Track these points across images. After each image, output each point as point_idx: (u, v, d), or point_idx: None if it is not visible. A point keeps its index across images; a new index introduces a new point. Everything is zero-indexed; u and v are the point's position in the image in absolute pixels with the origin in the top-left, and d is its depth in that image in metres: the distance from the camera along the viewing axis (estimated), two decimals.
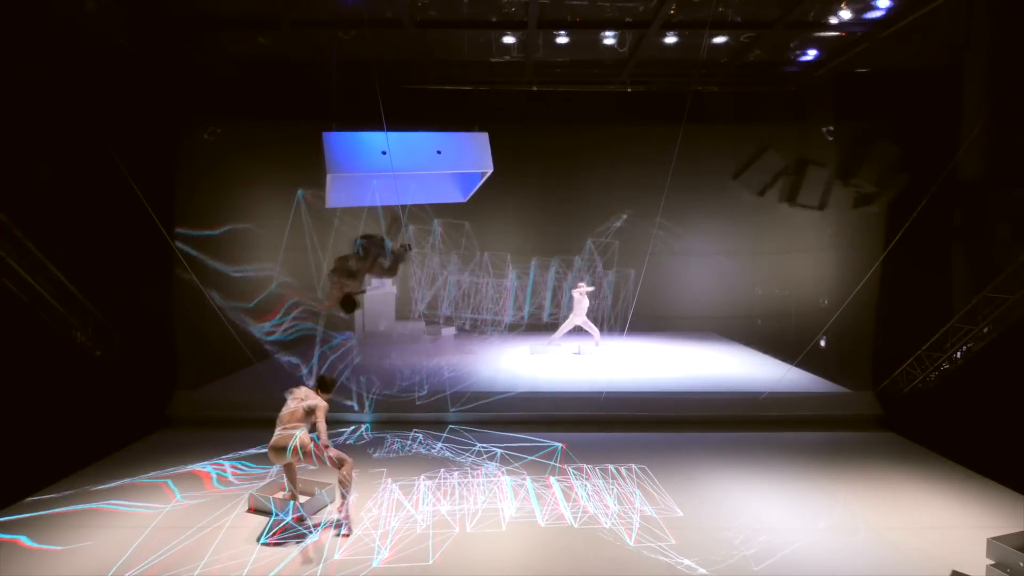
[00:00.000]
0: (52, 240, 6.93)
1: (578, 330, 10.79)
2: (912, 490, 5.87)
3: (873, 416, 8.00)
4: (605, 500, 5.61)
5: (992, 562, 4.21)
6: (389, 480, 6.00)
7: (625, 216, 11.87)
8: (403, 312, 12.22)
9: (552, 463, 6.47)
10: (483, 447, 6.90)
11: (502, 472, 6.20)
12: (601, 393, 8.08)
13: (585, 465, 6.38)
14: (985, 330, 7.22)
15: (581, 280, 10.88)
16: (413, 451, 6.87)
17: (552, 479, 6.06)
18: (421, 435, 7.26)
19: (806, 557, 4.65)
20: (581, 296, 10.53)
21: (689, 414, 7.92)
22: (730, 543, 4.84)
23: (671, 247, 12.07)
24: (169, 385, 8.25)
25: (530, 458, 6.60)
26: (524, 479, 6.05)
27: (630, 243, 11.79)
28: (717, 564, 4.54)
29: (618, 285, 11.84)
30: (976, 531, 4.95)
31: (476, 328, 12.20)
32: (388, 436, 7.27)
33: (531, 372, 9.42)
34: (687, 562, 4.56)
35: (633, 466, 6.37)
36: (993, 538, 4.26)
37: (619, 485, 5.95)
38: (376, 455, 6.73)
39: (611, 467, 6.36)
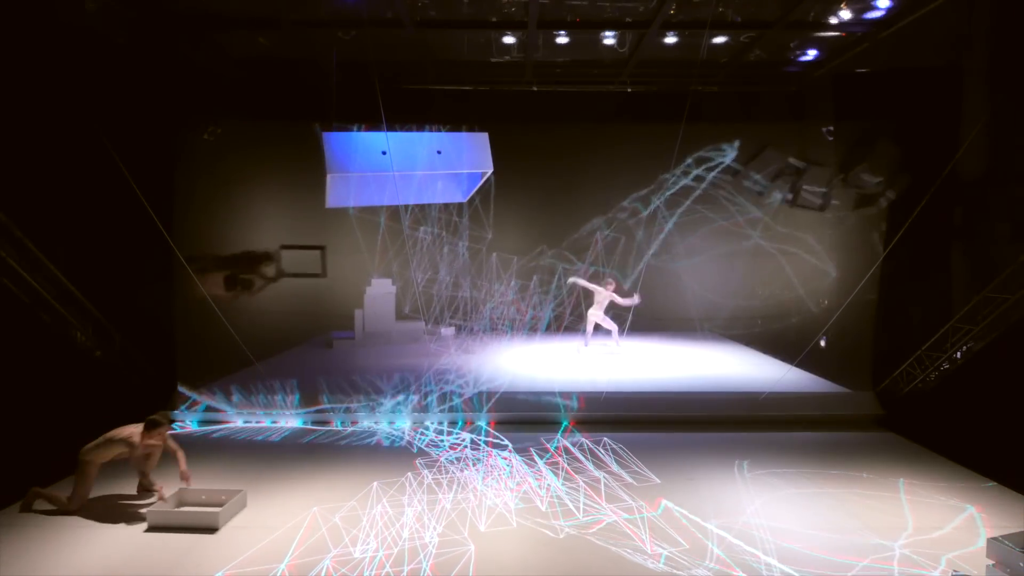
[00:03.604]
0: (52, 240, 6.93)
1: (597, 327, 10.72)
2: (912, 490, 5.87)
3: (873, 416, 8.00)
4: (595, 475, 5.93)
5: (992, 562, 4.21)
6: (375, 483, 5.93)
7: (735, 148, 10.71)
8: (401, 312, 12.20)
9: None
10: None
11: (486, 449, 6.55)
12: (601, 393, 8.08)
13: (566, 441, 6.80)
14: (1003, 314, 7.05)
15: (610, 277, 10.64)
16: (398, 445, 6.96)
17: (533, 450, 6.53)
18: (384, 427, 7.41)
19: (806, 557, 4.65)
20: (599, 291, 10.43)
21: (689, 414, 7.92)
22: (731, 543, 4.84)
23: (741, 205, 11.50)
24: (169, 385, 8.25)
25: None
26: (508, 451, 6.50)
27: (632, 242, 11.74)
28: (718, 564, 4.55)
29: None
30: (976, 531, 4.95)
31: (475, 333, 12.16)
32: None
33: (531, 372, 9.41)
34: (695, 564, 4.58)
35: (605, 438, 6.92)
36: (993, 538, 4.26)
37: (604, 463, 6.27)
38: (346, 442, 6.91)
39: (585, 442, 6.84)
